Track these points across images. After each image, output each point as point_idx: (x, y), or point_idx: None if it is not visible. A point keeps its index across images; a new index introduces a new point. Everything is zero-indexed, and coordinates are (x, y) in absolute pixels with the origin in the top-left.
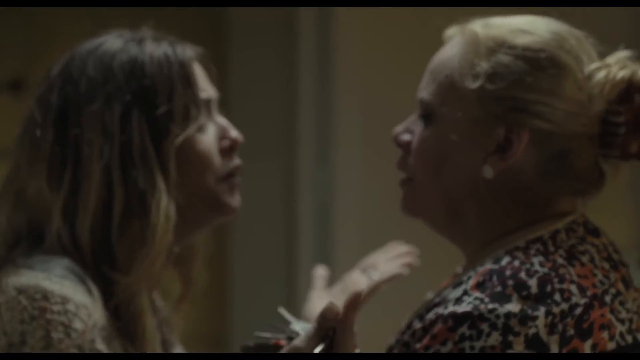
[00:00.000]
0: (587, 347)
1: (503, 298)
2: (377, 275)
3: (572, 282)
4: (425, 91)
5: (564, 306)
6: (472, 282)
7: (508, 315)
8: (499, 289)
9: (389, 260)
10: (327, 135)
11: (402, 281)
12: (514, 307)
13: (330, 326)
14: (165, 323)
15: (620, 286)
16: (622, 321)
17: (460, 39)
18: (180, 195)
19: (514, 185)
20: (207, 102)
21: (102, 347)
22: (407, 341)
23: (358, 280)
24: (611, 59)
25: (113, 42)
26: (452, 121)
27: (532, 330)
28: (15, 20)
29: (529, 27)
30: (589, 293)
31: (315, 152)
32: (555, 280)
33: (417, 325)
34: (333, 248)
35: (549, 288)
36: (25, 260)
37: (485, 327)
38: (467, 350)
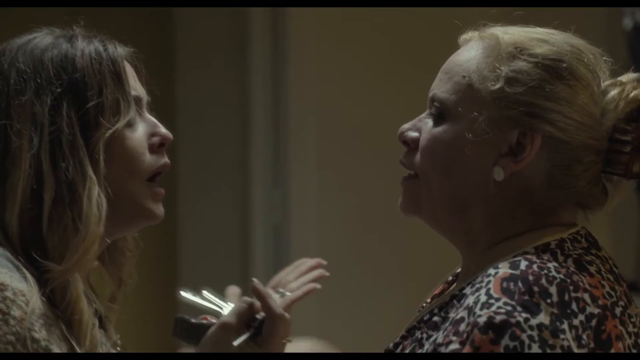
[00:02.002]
0: None
1: (533, 307)
2: (289, 295)
3: (585, 290)
4: (439, 89)
5: (581, 317)
6: (494, 285)
7: (540, 327)
8: (526, 296)
9: (299, 277)
10: (282, 157)
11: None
12: (544, 318)
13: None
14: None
15: (625, 300)
16: (629, 334)
17: (479, 43)
18: (109, 189)
19: (522, 190)
20: (138, 100)
21: (40, 334)
22: (438, 350)
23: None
24: (624, 77)
25: (44, 37)
26: (467, 120)
27: (565, 343)
28: None
29: (548, 38)
30: (600, 303)
31: (270, 174)
32: (571, 288)
33: (451, 337)
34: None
35: (566, 297)
36: None
37: (525, 338)
38: None
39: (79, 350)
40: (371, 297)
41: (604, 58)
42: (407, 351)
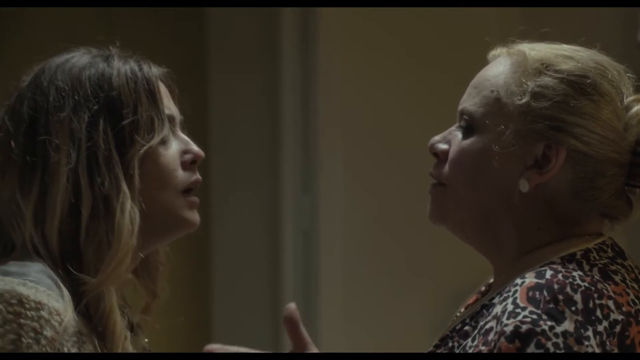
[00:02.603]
0: None
1: (558, 315)
2: None
3: (609, 297)
4: (468, 103)
5: (605, 324)
6: (520, 295)
7: (565, 334)
8: (551, 305)
9: None
10: (311, 163)
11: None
12: (569, 325)
13: None
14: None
15: None
16: None
17: (507, 59)
18: (142, 204)
19: (547, 201)
20: (171, 118)
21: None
22: None
23: None
24: None
25: (81, 57)
26: (494, 133)
27: (589, 350)
28: None
29: (574, 55)
30: (624, 309)
31: (299, 179)
32: (595, 295)
33: (480, 347)
34: (317, 274)
35: (591, 304)
36: (1, 266)
37: (550, 345)
38: None
39: None
40: (396, 301)
41: (628, 75)
42: None
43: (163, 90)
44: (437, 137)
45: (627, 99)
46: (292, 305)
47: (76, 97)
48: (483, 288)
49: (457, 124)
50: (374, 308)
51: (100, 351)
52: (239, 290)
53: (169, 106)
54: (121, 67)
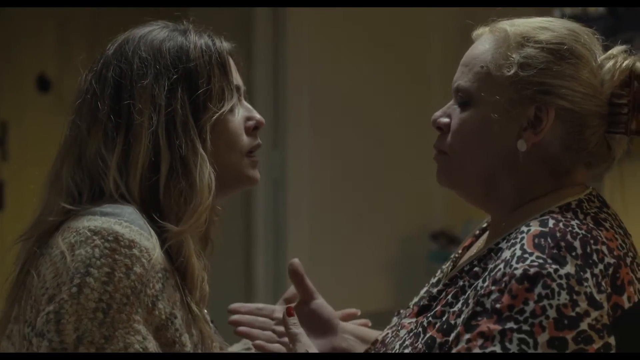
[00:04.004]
0: (625, 300)
1: (561, 259)
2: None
3: (603, 243)
4: (462, 80)
5: (601, 267)
6: (527, 241)
7: (568, 276)
8: (555, 250)
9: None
10: (280, 121)
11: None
12: (570, 268)
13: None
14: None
15: (633, 250)
16: (638, 280)
17: (490, 36)
18: (214, 165)
19: (542, 156)
20: (237, 89)
21: (153, 290)
22: (480, 300)
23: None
24: (615, 50)
25: (161, 30)
26: (490, 103)
27: (588, 290)
28: None
29: (549, 25)
30: (615, 253)
31: (270, 135)
32: (592, 242)
33: (490, 287)
34: (286, 219)
35: (588, 249)
36: (97, 208)
37: (555, 286)
38: (547, 308)
39: (189, 300)
40: (355, 244)
41: (596, 36)
42: (450, 297)
43: (231, 63)
44: (438, 113)
45: (600, 58)
46: (296, 261)
47: (157, 67)
48: (477, 232)
49: (452, 100)
50: (336, 249)
51: (181, 288)
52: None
53: (236, 77)
54: (197, 40)
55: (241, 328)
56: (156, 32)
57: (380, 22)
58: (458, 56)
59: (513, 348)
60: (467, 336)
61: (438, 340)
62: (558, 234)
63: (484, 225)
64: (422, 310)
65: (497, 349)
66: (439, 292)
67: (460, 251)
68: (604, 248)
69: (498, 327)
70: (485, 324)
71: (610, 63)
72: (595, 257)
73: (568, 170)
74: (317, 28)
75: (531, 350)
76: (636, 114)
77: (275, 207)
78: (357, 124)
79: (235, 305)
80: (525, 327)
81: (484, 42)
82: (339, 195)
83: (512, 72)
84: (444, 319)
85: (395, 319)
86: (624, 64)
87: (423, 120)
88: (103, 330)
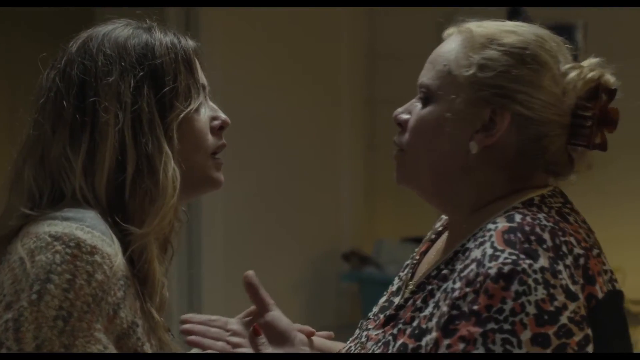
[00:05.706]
0: (598, 290)
1: (533, 253)
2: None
3: (570, 234)
4: (425, 77)
5: (571, 258)
6: (496, 239)
7: (542, 270)
8: (526, 245)
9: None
10: None
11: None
12: (544, 261)
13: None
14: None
15: (597, 245)
16: (605, 272)
17: (457, 36)
18: (181, 164)
19: (497, 160)
20: (204, 88)
21: (114, 298)
22: (456, 303)
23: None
24: (584, 62)
25: (124, 27)
26: (447, 102)
27: (564, 282)
28: None
29: (517, 29)
30: (582, 245)
31: None
32: (560, 233)
33: (465, 289)
34: (200, 243)
35: (557, 241)
36: (58, 212)
37: (531, 282)
38: (526, 305)
39: (150, 306)
40: (268, 262)
41: (566, 45)
42: (418, 302)
43: (196, 61)
44: (400, 109)
45: (564, 67)
46: (250, 272)
47: (122, 64)
48: (433, 236)
49: (417, 97)
50: (249, 269)
51: (141, 295)
52: None
53: (202, 76)
54: (162, 38)
55: (192, 337)
56: (120, 29)
57: (291, 38)
58: (367, 75)
59: (497, 349)
60: (447, 342)
61: (410, 345)
62: (527, 228)
63: (439, 228)
64: (389, 319)
65: (481, 352)
66: (406, 300)
67: (417, 257)
68: (572, 239)
69: (479, 330)
70: (465, 328)
71: (574, 73)
72: (564, 248)
73: (526, 175)
74: (229, 44)
75: (516, 350)
76: (601, 128)
77: (189, 228)
78: (270, 144)
79: (187, 316)
80: (507, 327)
81: (451, 41)
82: (251, 216)
83: (471, 72)
84: (414, 324)
85: (357, 331)
86: (589, 75)
87: (334, 141)
88: (63, 339)
